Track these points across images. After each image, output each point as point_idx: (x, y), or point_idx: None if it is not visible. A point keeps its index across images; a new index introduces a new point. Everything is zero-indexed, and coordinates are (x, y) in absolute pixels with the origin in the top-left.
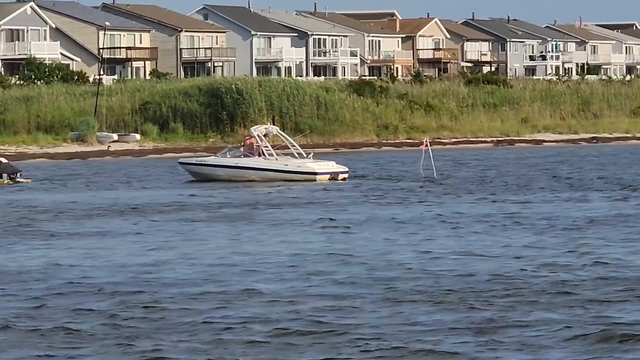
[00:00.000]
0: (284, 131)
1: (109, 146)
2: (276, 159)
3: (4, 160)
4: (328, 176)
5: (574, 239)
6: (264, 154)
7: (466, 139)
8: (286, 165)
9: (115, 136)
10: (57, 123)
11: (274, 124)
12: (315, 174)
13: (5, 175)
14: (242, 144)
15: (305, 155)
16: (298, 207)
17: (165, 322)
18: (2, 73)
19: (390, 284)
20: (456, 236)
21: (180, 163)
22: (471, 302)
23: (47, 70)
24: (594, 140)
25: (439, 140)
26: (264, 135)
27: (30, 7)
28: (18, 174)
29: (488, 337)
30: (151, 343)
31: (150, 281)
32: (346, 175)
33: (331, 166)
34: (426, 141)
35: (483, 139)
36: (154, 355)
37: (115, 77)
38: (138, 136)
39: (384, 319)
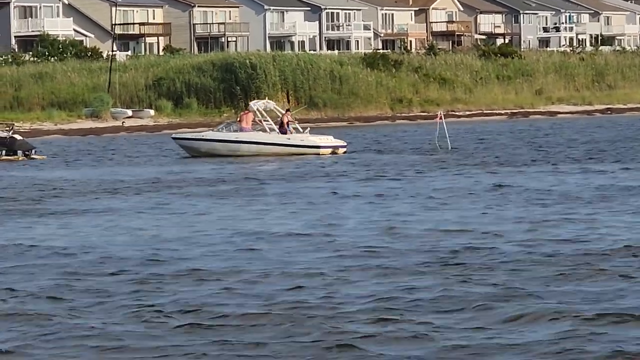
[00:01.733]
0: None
1: (123, 122)
2: (278, 133)
3: (18, 137)
4: (330, 150)
5: (572, 207)
6: (285, 127)
7: (480, 111)
8: (289, 139)
9: (129, 112)
10: (71, 99)
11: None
12: (319, 147)
13: (20, 152)
14: (239, 119)
15: (301, 130)
16: (315, 180)
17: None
18: (16, 50)
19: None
20: (473, 209)
21: (174, 138)
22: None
23: (60, 46)
24: (608, 112)
25: (453, 113)
26: (264, 110)
27: None
28: (33, 151)
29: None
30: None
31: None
32: (345, 149)
33: (330, 140)
34: (440, 114)
35: (497, 112)
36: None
37: (129, 53)
38: (152, 112)
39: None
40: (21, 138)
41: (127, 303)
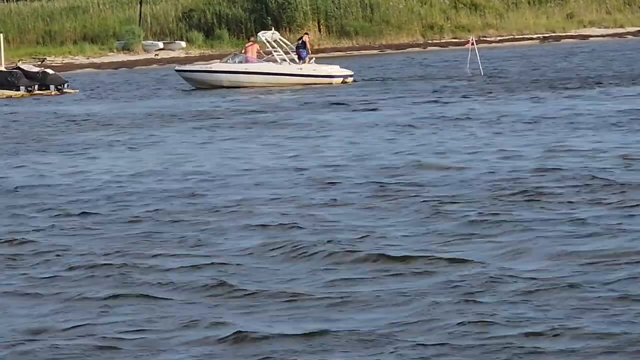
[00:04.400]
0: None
1: (156, 54)
2: (289, 63)
3: (50, 71)
4: (341, 79)
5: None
6: (300, 58)
7: (512, 36)
8: (301, 69)
9: (160, 44)
10: (102, 33)
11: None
12: (332, 77)
13: (52, 87)
14: (243, 50)
15: (297, 61)
16: (341, 110)
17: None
18: None
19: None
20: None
21: (178, 71)
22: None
23: None
24: None
25: (485, 38)
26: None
27: None
28: (65, 85)
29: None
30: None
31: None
32: (352, 79)
33: (338, 69)
34: (472, 40)
35: (529, 36)
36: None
37: None
38: (184, 44)
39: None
40: (53, 72)
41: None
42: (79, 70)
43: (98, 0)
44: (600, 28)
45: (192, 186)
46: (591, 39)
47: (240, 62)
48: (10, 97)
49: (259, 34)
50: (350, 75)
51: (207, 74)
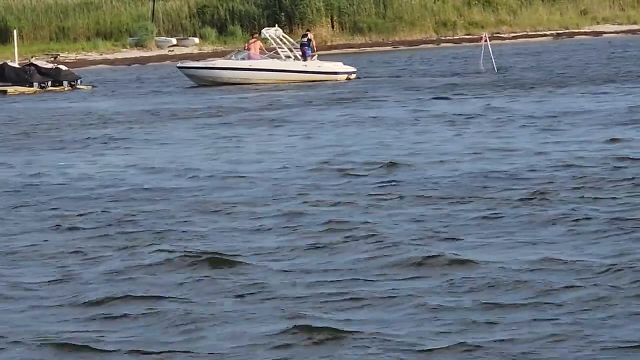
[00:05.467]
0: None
1: (170, 50)
2: (294, 59)
3: (63, 67)
4: (346, 76)
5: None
6: (304, 56)
7: (525, 33)
8: (305, 65)
9: (174, 40)
10: (115, 29)
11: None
12: (337, 73)
13: (65, 83)
14: (246, 47)
15: (299, 57)
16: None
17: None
18: None
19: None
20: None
21: (180, 67)
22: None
23: None
24: None
25: (498, 35)
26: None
27: None
28: (78, 81)
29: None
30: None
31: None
32: (355, 75)
33: (342, 66)
34: (485, 36)
35: (542, 33)
36: None
37: None
38: (197, 40)
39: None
40: (66, 68)
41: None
42: (92, 67)
43: None
44: (614, 24)
45: (191, 184)
46: (604, 35)
47: (243, 58)
48: (24, 93)
49: (262, 30)
50: (354, 72)
51: (210, 70)
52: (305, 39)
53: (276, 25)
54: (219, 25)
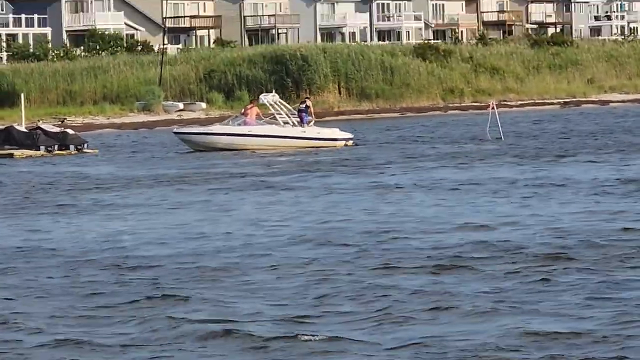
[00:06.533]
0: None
1: (179, 114)
2: (292, 126)
3: (70, 131)
4: (344, 142)
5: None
6: (301, 122)
7: (532, 100)
8: (304, 132)
9: (181, 105)
10: (122, 93)
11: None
12: (336, 139)
13: (72, 147)
14: (243, 112)
15: (296, 123)
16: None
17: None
18: (67, 45)
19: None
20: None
21: (176, 133)
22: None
23: (110, 41)
24: None
25: (505, 102)
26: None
27: None
28: (85, 145)
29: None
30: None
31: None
32: (352, 142)
33: (339, 132)
34: (492, 104)
35: (549, 101)
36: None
37: (180, 46)
38: (204, 104)
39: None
40: (73, 132)
41: None
42: (99, 131)
43: (118, 61)
44: (620, 94)
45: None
46: (611, 104)
47: (240, 124)
48: (30, 156)
49: (260, 96)
50: (351, 138)
51: (207, 136)
52: (304, 105)
53: (273, 91)
54: (226, 90)
